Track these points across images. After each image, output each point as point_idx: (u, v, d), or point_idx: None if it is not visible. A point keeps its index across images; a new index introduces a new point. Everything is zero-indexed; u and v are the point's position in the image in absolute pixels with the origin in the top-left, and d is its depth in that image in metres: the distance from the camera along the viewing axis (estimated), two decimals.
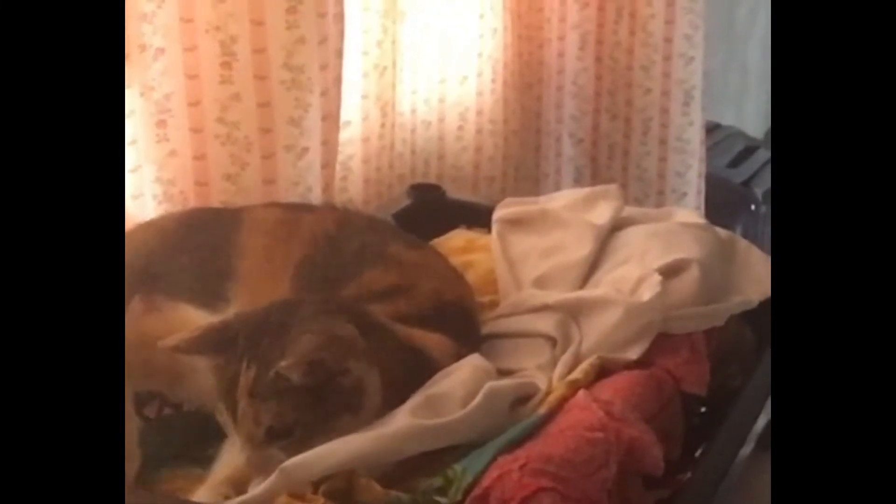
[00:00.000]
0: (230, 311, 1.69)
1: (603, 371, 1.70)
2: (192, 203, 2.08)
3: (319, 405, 1.52)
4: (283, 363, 1.48)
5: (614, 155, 3.17)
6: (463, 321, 1.77)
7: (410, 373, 1.62)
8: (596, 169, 3.20)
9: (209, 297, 1.74)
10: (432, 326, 1.69)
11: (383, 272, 1.78)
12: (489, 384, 1.58)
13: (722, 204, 3.31)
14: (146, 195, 2.05)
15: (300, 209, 1.98)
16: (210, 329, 1.60)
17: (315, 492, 1.43)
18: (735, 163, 3.73)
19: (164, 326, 1.65)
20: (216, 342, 1.57)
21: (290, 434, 1.51)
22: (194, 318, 1.69)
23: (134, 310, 1.70)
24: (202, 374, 1.61)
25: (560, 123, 3.18)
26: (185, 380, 1.67)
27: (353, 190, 2.52)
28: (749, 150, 3.83)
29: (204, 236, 1.85)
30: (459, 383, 1.59)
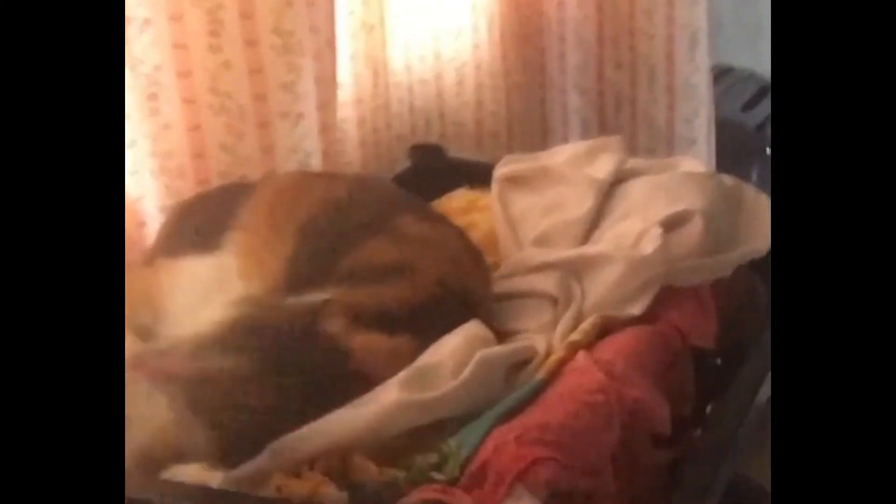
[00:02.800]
0: (221, 255, 1.71)
1: (605, 329, 1.67)
2: (191, 176, 2.06)
3: None
4: None
5: (621, 105, 3.11)
6: (460, 313, 1.67)
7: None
8: (603, 120, 3.14)
9: (204, 244, 1.75)
10: (420, 321, 1.61)
11: (386, 245, 1.72)
12: (481, 352, 1.54)
13: (736, 149, 3.26)
14: (143, 170, 2.02)
15: (319, 175, 2.00)
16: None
17: (311, 469, 1.42)
18: (749, 106, 3.68)
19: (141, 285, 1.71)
20: None
21: None
22: (179, 267, 1.74)
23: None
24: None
25: (564, 75, 3.12)
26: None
27: (351, 154, 2.48)
28: (763, 91, 3.77)
29: (222, 198, 1.88)
30: (450, 352, 1.56)
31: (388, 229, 1.75)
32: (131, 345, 1.57)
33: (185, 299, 1.71)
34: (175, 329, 1.67)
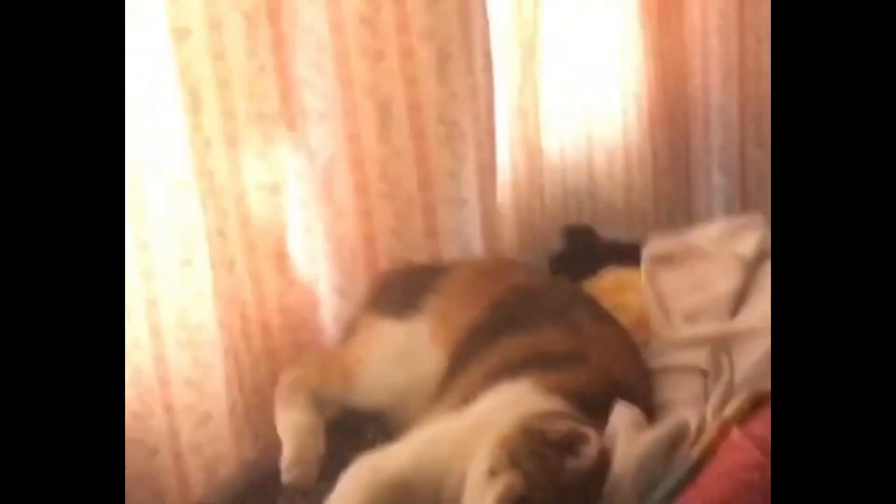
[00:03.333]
0: (419, 322, 1.91)
1: (757, 404, 1.68)
2: (361, 259, 2.16)
3: None
4: None
5: (762, 183, 3.18)
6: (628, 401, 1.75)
7: None
8: (745, 198, 3.22)
9: (404, 307, 1.95)
10: (591, 408, 1.70)
11: (563, 335, 1.85)
12: (639, 444, 1.59)
13: None
14: (318, 255, 2.14)
15: (518, 264, 2.18)
16: None
17: None
18: None
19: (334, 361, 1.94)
20: None
21: None
22: (382, 329, 1.94)
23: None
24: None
25: (708, 155, 3.21)
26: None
27: (507, 236, 2.57)
28: None
29: (426, 271, 2.07)
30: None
31: (566, 321, 1.88)
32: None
33: (378, 367, 1.92)
34: (366, 399, 1.88)
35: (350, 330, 2.03)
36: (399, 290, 2.02)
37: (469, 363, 1.86)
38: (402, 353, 1.92)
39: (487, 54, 2.29)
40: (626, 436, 1.61)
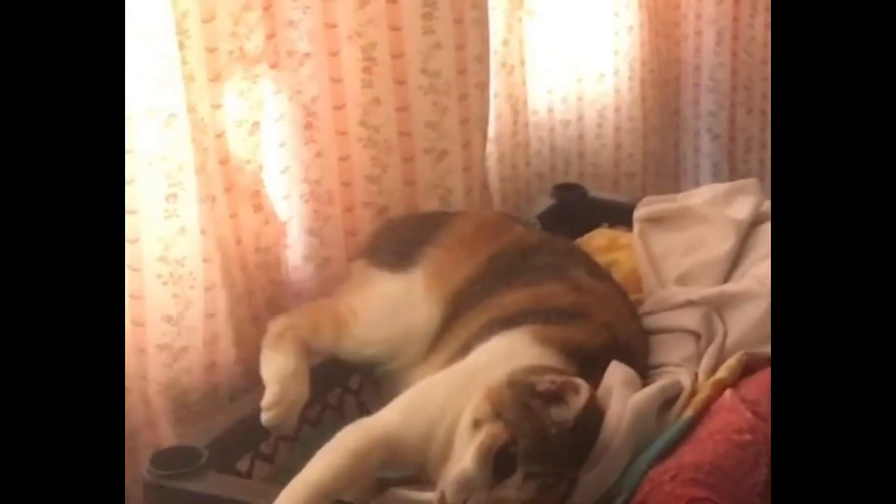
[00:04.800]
0: (414, 273, 1.91)
1: (749, 367, 1.70)
2: (337, 203, 2.14)
3: None
4: None
5: (751, 149, 3.16)
6: (621, 358, 1.74)
7: None
8: (733, 163, 3.19)
9: (401, 259, 1.95)
10: (588, 364, 1.69)
11: (563, 290, 1.84)
12: (633, 399, 1.58)
13: None
14: (293, 195, 2.12)
15: (517, 221, 2.15)
16: None
17: None
18: None
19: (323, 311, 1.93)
20: None
21: None
22: (377, 280, 1.94)
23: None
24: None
25: (697, 119, 3.19)
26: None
27: (490, 188, 2.53)
28: None
29: (427, 220, 2.06)
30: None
31: (565, 278, 1.87)
32: None
33: (372, 318, 1.89)
34: (358, 349, 1.88)
35: (343, 277, 2.02)
36: (396, 242, 2.00)
37: (465, 316, 1.84)
38: (397, 304, 1.90)
39: (480, 6, 2.25)
40: (619, 394, 1.59)
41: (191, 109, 1.86)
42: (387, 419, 1.65)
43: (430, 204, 2.21)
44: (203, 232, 1.89)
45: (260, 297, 2.07)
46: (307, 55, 2.06)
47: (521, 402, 1.53)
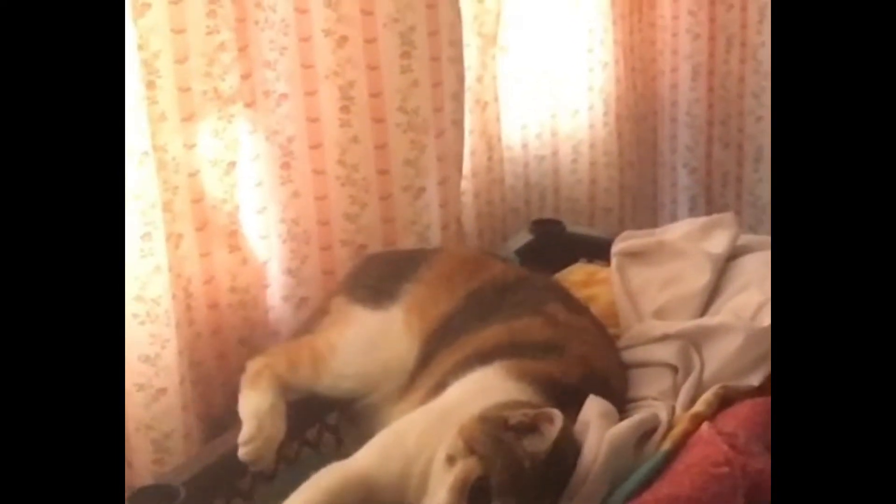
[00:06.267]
0: (393, 310, 1.91)
1: (726, 400, 1.71)
2: (315, 242, 2.15)
3: None
4: None
5: (728, 183, 3.18)
6: (604, 394, 1.74)
7: None
8: (710, 197, 3.21)
9: (380, 295, 1.94)
10: (565, 398, 1.68)
11: (539, 325, 1.85)
12: (610, 432, 1.59)
13: None
14: (272, 235, 2.12)
15: (496, 258, 2.15)
16: None
17: None
18: None
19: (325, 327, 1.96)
20: None
21: None
22: (356, 316, 1.93)
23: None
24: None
25: (674, 154, 3.22)
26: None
27: (466, 224, 2.55)
28: None
29: (406, 257, 2.06)
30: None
31: (542, 313, 1.87)
32: None
33: (349, 353, 1.90)
34: (335, 385, 1.88)
35: (322, 313, 2.01)
36: (375, 278, 2.00)
37: (443, 352, 1.84)
38: (375, 339, 1.91)
39: (456, 45, 2.26)
40: (596, 427, 1.59)
41: (161, 149, 1.87)
42: (363, 459, 1.65)
43: (407, 241, 2.22)
44: (171, 270, 1.89)
45: (230, 335, 2.07)
46: (284, 95, 2.07)
47: (494, 436, 1.53)
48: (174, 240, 1.92)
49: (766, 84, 3.02)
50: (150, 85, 1.86)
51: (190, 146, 1.96)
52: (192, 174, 1.97)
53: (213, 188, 2.01)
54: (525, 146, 2.80)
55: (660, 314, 1.97)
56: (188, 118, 1.94)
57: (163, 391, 1.89)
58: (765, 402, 1.70)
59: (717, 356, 1.80)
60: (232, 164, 2.03)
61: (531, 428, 1.54)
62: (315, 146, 2.12)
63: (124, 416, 1.83)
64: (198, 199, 1.98)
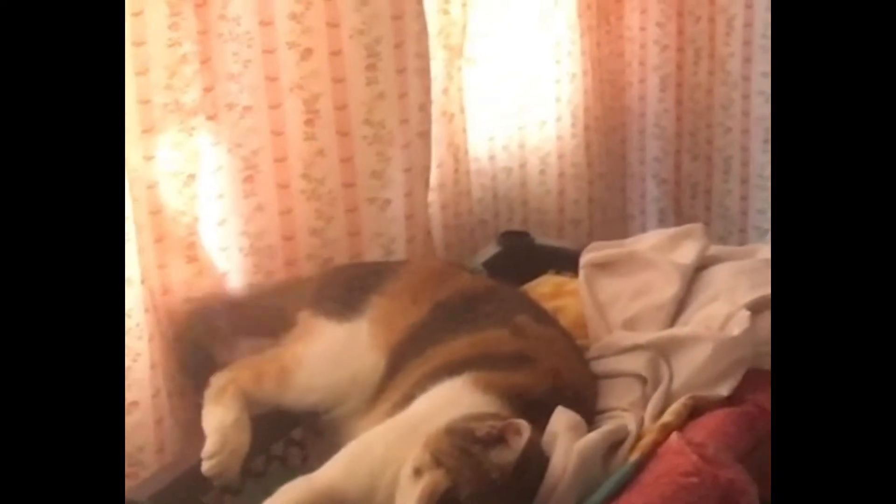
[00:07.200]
0: (359, 322, 1.90)
1: (695, 410, 1.70)
2: (279, 256, 2.13)
3: None
4: None
5: (697, 194, 3.18)
6: (573, 406, 1.73)
7: None
8: (679, 209, 3.21)
9: (346, 308, 1.93)
10: (533, 410, 1.67)
11: (507, 337, 1.84)
12: (579, 443, 1.58)
13: None
14: (232, 247, 2.10)
15: (464, 269, 2.15)
16: None
17: None
18: None
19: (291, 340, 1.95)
20: None
21: None
22: (322, 329, 1.92)
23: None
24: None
25: (643, 165, 3.21)
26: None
27: (434, 236, 2.54)
28: None
29: (372, 269, 2.05)
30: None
31: (510, 324, 1.86)
32: None
33: (315, 367, 1.89)
34: (301, 398, 1.87)
35: (288, 327, 1.99)
36: (342, 290, 1.99)
37: (409, 365, 1.83)
38: (341, 352, 1.90)
39: (422, 56, 2.26)
40: (565, 439, 1.58)
41: None
42: (329, 473, 1.63)
43: (373, 253, 2.20)
44: (144, 283, 1.88)
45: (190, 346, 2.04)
46: (248, 108, 2.05)
47: (461, 447, 1.52)
48: (146, 252, 1.91)
49: (735, 95, 3.02)
50: None
51: (148, 158, 1.94)
52: (151, 186, 1.96)
53: (171, 200, 2.00)
54: (492, 158, 2.79)
55: (629, 325, 1.96)
56: (148, 130, 1.93)
57: (135, 404, 1.87)
58: (733, 413, 1.69)
59: (686, 366, 1.79)
60: (192, 177, 2.01)
61: (498, 440, 1.53)
62: (280, 159, 2.10)
63: (124, 425, 1.81)
64: (156, 211, 1.97)
